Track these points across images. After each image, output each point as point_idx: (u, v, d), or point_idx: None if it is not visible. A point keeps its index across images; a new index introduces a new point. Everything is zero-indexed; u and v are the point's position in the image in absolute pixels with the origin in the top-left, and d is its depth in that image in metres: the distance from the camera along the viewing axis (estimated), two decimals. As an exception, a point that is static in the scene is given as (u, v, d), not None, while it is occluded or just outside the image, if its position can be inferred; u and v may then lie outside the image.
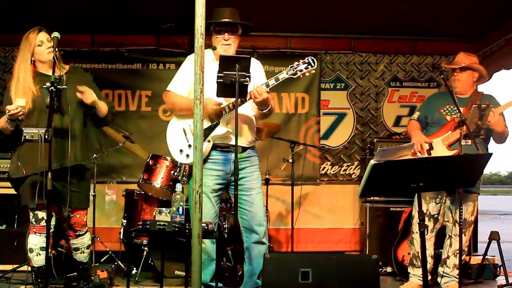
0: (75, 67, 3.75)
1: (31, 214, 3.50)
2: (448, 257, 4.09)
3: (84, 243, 3.71)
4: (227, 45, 3.48)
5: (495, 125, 3.92)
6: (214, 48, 3.55)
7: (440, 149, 4.06)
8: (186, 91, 3.53)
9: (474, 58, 4.19)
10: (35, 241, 3.50)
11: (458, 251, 3.92)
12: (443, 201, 4.10)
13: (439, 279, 4.12)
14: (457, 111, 3.97)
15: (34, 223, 3.49)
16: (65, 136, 3.35)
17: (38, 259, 3.49)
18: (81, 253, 3.72)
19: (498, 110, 3.92)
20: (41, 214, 3.46)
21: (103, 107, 3.55)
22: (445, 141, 4.06)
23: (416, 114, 4.34)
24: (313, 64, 3.41)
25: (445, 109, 4.16)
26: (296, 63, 3.42)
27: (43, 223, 3.47)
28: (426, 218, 4.10)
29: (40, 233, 3.48)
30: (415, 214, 4.12)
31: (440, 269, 4.14)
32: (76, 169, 3.49)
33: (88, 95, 3.42)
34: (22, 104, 3.22)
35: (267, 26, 5.41)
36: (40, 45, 3.44)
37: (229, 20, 3.46)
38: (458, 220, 3.90)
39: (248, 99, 3.34)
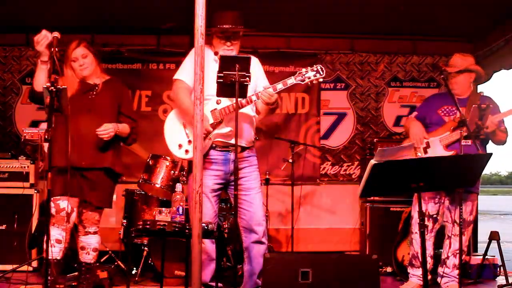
0: (116, 79, 3.89)
1: (52, 205, 3.51)
2: (447, 257, 4.09)
3: (90, 243, 3.73)
4: (230, 50, 3.48)
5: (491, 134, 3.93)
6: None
7: (438, 149, 4.05)
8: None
9: (470, 59, 4.18)
10: (52, 232, 3.50)
11: (457, 251, 3.93)
12: (442, 201, 4.10)
13: (438, 279, 4.12)
14: (455, 111, 3.99)
15: (54, 213, 3.52)
16: (97, 138, 3.54)
17: (52, 251, 3.49)
18: (86, 253, 3.73)
19: (497, 117, 3.91)
20: (63, 204, 3.51)
21: (124, 130, 3.72)
22: (443, 141, 4.06)
23: (413, 114, 4.33)
24: (321, 73, 3.41)
25: (443, 110, 4.16)
26: (304, 69, 3.41)
27: (63, 213, 3.52)
28: (425, 219, 4.11)
29: (58, 225, 3.52)
30: (414, 214, 4.12)
31: (440, 270, 4.14)
32: (105, 171, 3.65)
33: (104, 132, 3.54)
34: (47, 34, 3.30)
35: (267, 26, 5.41)
36: (74, 61, 3.64)
37: (230, 26, 3.42)
38: (457, 220, 3.91)
39: (255, 101, 3.38)
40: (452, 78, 4.12)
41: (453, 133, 4.02)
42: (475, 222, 5.60)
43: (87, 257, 3.73)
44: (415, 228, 4.12)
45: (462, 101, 4.08)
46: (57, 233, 3.52)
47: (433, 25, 5.57)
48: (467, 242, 4.14)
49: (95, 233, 3.74)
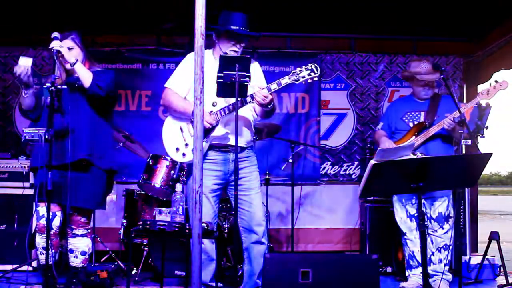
0: (105, 68, 3.74)
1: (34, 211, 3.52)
2: (432, 253, 4.11)
3: (78, 246, 3.56)
4: (236, 51, 3.48)
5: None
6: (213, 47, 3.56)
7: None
8: (184, 90, 3.53)
9: (424, 64, 4.18)
10: (38, 239, 3.51)
11: (441, 246, 4.05)
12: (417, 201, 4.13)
13: (429, 280, 4.11)
14: (419, 116, 4.13)
15: (36, 221, 3.49)
16: (65, 134, 3.35)
17: (42, 258, 3.50)
18: (74, 257, 3.57)
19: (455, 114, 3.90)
20: (42, 211, 3.44)
21: (86, 75, 3.41)
22: None
23: (380, 125, 4.42)
24: (316, 72, 3.40)
25: (406, 116, 4.24)
26: (299, 69, 3.40)
27: (43, 221, 3.46)
28: (408, 219, 4.19)
29: (41, 233, 3.48)
30: (402, 215, 4.21)
31: (429, 268, 4.13)
32: (78, 165, 3.42)
33: (66, 55, 3.34)
34: (25, 63, 3.24)
35: (267, 26, 5.41)
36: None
37: (239, 28, 3.42)
38: (433, 217, 4.08)
39: (249, 102, 3.37)
40: (417, 84, 4.18)
41: (417, 138, 4.09)
42: (475, 222, 5.62)
43: (75, 260, 3.57)
44: (403, 228, 4.22)
45: (424, 104, 4.18)
46: (42, 241, 3.43)
47: (433, 25, 5.58)
48: (451, 237, 4.14)
49: (83, 235, 3.56)
